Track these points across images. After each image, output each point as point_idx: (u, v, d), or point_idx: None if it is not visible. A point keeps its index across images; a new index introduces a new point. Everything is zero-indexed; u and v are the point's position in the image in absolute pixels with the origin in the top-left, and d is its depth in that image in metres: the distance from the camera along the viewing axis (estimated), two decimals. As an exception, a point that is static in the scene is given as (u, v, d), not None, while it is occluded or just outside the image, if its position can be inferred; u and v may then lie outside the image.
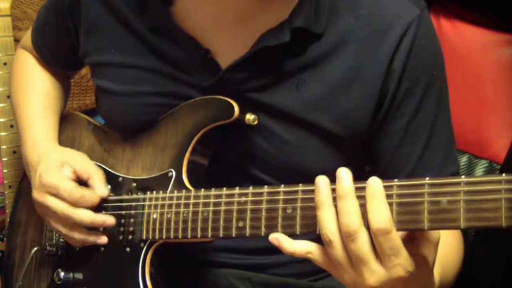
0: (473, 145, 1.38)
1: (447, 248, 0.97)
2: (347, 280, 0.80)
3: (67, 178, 1.09)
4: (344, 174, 0.78)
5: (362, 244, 0.76)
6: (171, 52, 1.05)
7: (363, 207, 0.77)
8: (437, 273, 0.88)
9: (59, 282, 1.14)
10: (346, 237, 0.77)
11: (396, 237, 0.75)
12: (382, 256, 0.76)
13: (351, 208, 0.77)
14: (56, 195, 1.07)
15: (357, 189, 0.78)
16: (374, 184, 0.76)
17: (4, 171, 1.52)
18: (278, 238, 0.83)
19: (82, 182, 1.10)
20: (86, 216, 1.06)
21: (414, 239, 0.78)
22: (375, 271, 0.77)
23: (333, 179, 0.80)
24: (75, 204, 1.06)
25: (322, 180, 0.80)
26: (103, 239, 1.08)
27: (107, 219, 1.07)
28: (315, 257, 0.81)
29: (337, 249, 0.78)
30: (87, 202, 1.07)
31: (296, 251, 0.82)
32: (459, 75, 1.38)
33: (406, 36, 0.97)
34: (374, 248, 0.77)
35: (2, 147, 1.49)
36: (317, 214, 0.80)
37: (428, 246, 0.77)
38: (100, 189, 1.09)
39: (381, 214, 0.75)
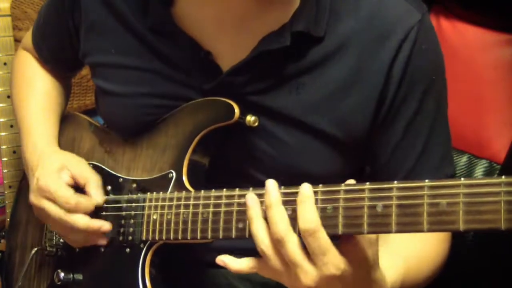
0: (473, 145, 1.38)
1: (420, 249, 1.00)
2: (289, 283, 0.84)
3: (64, 183, 1.09)
4: (271, 185, 0.84)
5: (292, 247, 0.81)
6: (172, 53, 1.05)
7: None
8: (398, 272, 0.92)
9: (59, 283, 1.14)
10: (276, 244, 0.82)
11: (323, 236, 0.79)
12: (312, 256, 0.80)
13: (277, 217, 0.82)
14: (52, 200, 1.08)
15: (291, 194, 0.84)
16: (303, 190, 0.81)
17: (4, 171, 1.52)
18: (223, 260, 0.88)
19: (79, 187, 1.11)
20: (82, 222, 1.07)
21: (351, 238, 0.81)
22: (308, 272, 0.80)
23: (332, 181, 0.82)
24: (70, 210, 1.07)
25: (250, 197, 0.85)
26: (103, 241, 1.08)
27: (103, 225, 1.07)
28: (258, 270, 0.86)
29: (271, 257, 0.83)
30: (82, 209, 1.07)
31: (242, 269, 0.87)
32: (459, 75, 1.38)
33: (407, 41, 0.97)
34: (307, 250, 0.81)
35: (2, 147, 1.50)
36: (250, 229, 0.85)
37: (364, 244, 0.81)
38: (96, 196, 1.09)
39: (308, 216, 0.80)
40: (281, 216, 0.82)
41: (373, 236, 0.81)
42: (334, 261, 0.80)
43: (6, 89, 1.47)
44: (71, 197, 1.07)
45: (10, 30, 1.46)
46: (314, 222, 0.79)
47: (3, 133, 1.49)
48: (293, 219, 0.83)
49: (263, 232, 0.83)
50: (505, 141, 1.33)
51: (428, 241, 1.02)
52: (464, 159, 1.39)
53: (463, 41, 1.41)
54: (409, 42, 0.98)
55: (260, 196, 0.86)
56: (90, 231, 1.07)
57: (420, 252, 1.00)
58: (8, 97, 1.46)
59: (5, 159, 1.51)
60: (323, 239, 0.79)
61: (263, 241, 0.83)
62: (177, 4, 1.04)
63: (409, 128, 1.01)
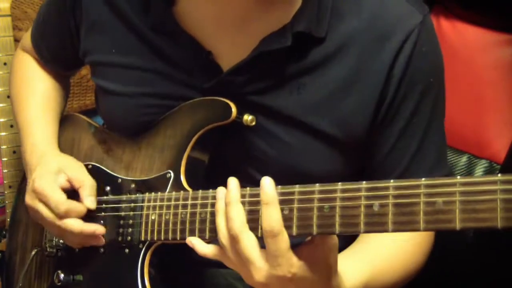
0: (473, 145, 1.38)
1: (392, 252, 1.01)
2: (244, 276, 0.89)
3: (58, 187, 1.10)
4: (231, 184, 0.88)
5: (245, 245, 0.85)
6: (172, 52, 1.05)
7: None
8: (360, 276, 0.94)
9: (59, 284, 1.14)
10: (231, 240, 0.86)
11: (283, 240, 0.82)
12: (268, 255, 0.83)
13: (232, 214, 0.86)
14: (46, 204, 1.09)
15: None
16: (267, 191, 0.84)
17: (4, 171, 1.52)
18: (192, 242, 0.93)
19: (75, 190, 1.11)
20: (76, 226, 1.07)
21: (311, 242, 0.84)
22: (260, 269, 0.84)
23: (332, 181, 0.82)
24: (60, 216, 1.07)
25: (220, 190, 0.90)
26: (100, 241, 1.09)
27: (97, 229, 1.07)
28: (221, 259, 0.90)
29: (228, 250, 0.87)
30: (72, 215, 1.08)
31: (207, 254, 0.92)
32: (459, 75, 1.38)
33: (408, 43, 0.97)
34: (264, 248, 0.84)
35: (2, 147, 1.50)
36: (215, 220, 0.89)
37: (323, 250, 0.84)
38: (88, 201, 1.09)
39: (273, 218, 0.83)
40: (237, 214, 0.86)
41: (335, 243, 0.84)
42: (288, 264, 0.83)
43: (6, 89, 1.47)
44: (62, 202, 1.08)
45: (10, 30, 1.46)
46: (277, 225, 0.82)
47: (3, 133, 1.50)
48: (290, 219, 0.83)
49: (223, 225, 0.88)
50: (505, 141, 1.33)
51: (403, 244, 1.03)
52: (464, 159, 1.39)
53: (463, 41, 1.42)
54: (410, 44, 0.98)
55: (255, 195, 0.87)
56: (84, 235, 1.08)
57: (392, 255, 1.01)
58: (8, 97, 1.46)
59: (5, 159, 1.51)
60: (282, 242, 0.82)
61: (223, 234, 0.88)
62: (178, 3, 1.04)
63: (406, 130, 1.01)
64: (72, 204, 1.08)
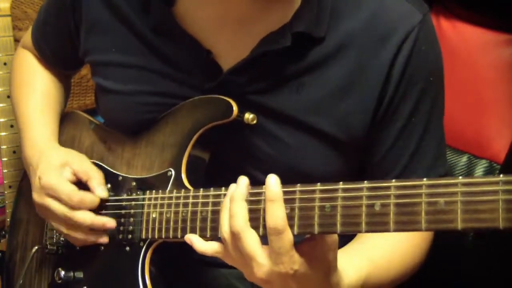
0: (473, 145, 1.39)
1: (391, 250, 1.02)
2: (245, 273, 0.89)
3: (67, 180, 1.09)
4: (242, 181, 0.88)
5: (247, 242, 0.84)
6: (172, 52, 1.05)
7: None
8: (359, 273, 0.94)
9: (60, 281, 1.14)
10: (233, 236, 0.86)
11: (287, 238, 0.82)
12: (271, 252, 0.83)
13: (235, 211, 0.86)
14: (56, 198, 1.08)
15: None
16: (273, 188, 0.83)
17: (4, 171, 1.52)
18: (191, 239, 0.93)
19: (81, 183, 1.11)
20: (87, 218, 1.07)
21: (312, 240, 0.84)
22: (262, 265, 0.84)
23: (332, 181, 0.82)
24: (74, 207, 1.07)
25: (231, 186, 0.89)
26: (104, 239, 1.08)
27: (107, 222, 1.07)
28: (221, 255, 0.90)
29: (229, 247, 0.87)
30: (86, 204, 1.07)
31: (206, 251, 0.91)
32: (459, 75, 1.38)
33: (407, 42, 0.97)
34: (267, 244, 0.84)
35: (2, 147, 1.49)
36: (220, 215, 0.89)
37: (324, 247, 0.84)
38: (99, 190, 1.09)
39: (277, 215, 0.82)
40: (239, 211, 0.86)
41: (334, 240, 0.84)
42: (290, 262, 0.83)
43: (6, 89, 1.47)
44: (75, 193, 1.07)
45: (10, 30, 1.46)
46: (281, 223, 0.82)
47: (3, 133, 1.49)
48: (291, 218, 0.83)
49: (226, 221, 0.87)
50: (505, 141, 1.33)
51: (402, 240, 1.03)
52: (464, 159, 1.39)
53: (463, 41, 1.42)
54: (410, 43, 0.98)
55: (257, 194, 0.87)
56: (94, 227, 1.07)
57: (390, 252, 1.02)
58: (8, 97, 1.46)
59: (5, 159, 1.51)
60: (286, 240, 0.82)
61: (225, 230, 0.87)
62: (178, 3, 1.04)
63: (405, 128, 1.02)
64: (85, 195, 1.08)
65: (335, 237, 0.84)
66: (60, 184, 1.08)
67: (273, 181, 0.84)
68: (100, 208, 1.10)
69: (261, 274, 0.85)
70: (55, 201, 1.08)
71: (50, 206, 1.09)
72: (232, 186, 0.89)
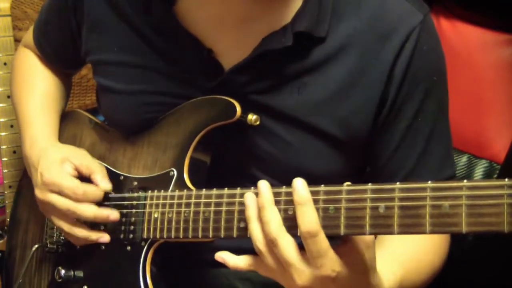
0: (473, 145, 1.39)
1: (418, 251, 1.00)
2: (285, 283, 0.85)
3: (68, 175, 1.09)
4: (263, 186, 0.85)
5: (285, 248, 0.82)
6: (174, 51, 1.05)
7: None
8: (395, 277, 0.92)
9: (60, 280, 1.14)
10: (270, 244, 0.83)
11: (323, 239, 0.80)
12: (309, 257, 0.81)
13: (268, 217, 0.83)
14: (59, 193, 1.08)
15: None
16: (301, 193, 0.81)
17: (4, 171, 1.52)
18: (223, 256, 0.90)
19: (83, 178, 1.10)
20: (90, 211, 1.06)
21: (347, 241, 0.82)
22: (302, 271, 0.82)
23: (333, 181, 0.83)
24: (78, 200, 1.06)
25: (248, 196, 0.87)
26: (105, 238, 1.08)
27: (111, 214, 1.07)
28: (256, 268, 0.88)
29: (266, 256, 0.84)
30: (90, 197, 1.07)
31: (240, 266, 0.89)
32: (459, 75, 1.39)
33: (409, 42, 0.98)
34: (303, 250, 0.82)
35: (2, 147, 1.49)
36: (248, 228, 0.86)
37: (361, 247, 0.81)
38: (103, 183, 1.09)
39: (308, 218, 0.80)
40: (273, 217, 0.83)
41: (370, 239, 0.81)
42: (331, 264, 0.81)
43: (6, 89, 1.46)
44: (78, 186, 1.07)
45: (10, 30, 1.46)
46: (315, 225, 0.80)
47: (3, 133, 1.49)
48: (295, 219, 0.83)
49: (259, 231, 0.85)
50: (505, 141, 1.33)
51: (427, 243, 1.03)
52: (464, 159, 1.39)
53: (463, 41, 1.42)
54: (411, 43, 0.98)
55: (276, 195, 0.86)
56: (98, 220, 1.07)
57: (418, 255, 1.01)
58: (8, 97, 1.46)
59: (5, 159, 1.50)
60: (323, 242, 0.80)
61: (259, 240, 0.85)
62: (180, 2, 1.04)
63: (410, 129, 1.02)
64: (89, 187, 1.08)
65: (371, 236, 0.82)
66: (63, 179, 1.08)
67: (300, 185, 0.82)
68: (101, 207, 1.10)
69: (303, 280, 0.82)
70: (58, 196, 1.08)
71: (53, 201, 1.08)
72: (249, 195, 0.87)
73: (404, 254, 0.98)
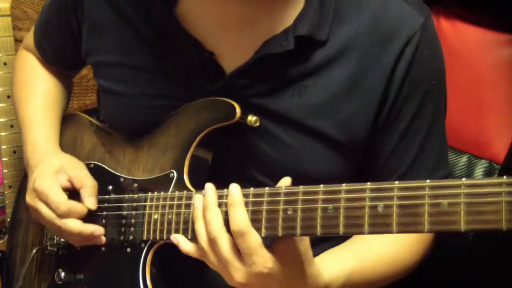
0: (473, 145, 1.38)
1: (383, 248, 1.02)
2: (226, 278, 0.92)
3: (59, 187, 1.10)
4: (208, 189, 0.91)
5: (223, 246, 0.88)
6: (175, 53, 1.05)
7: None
8: (343, 268, 0.96)
9: (60, 282, 1.14)
10: (211, 242, 0.89)
11: (253, 238, 0.86)
12: (243, 255, 0.87)
13: (210, 217, 0.89)
14: (46, 203, 1.09)
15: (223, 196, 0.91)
16: (233, 193, 0.88)
17: (4, 171, 1.52)
18: (177, 238, 0.96)
19: (76, 190, 1.11)
20: (74, 227, 1.08)
21: (280, 238, 0.87)
22: (238, 269, 0.88)
23: (333, 183, 0.83)
24: (61, 216, 1.08)
25: (197, 197, 0.93)
26: (101, 239, 1.09)
27: (96, 230, 1.08)
28: (204, 260, 0.93)
29: (209, 254, 0.90)
30: (74, 214, 1.08)
31: (190, 252, 0.94)
32: (459, 75, 1.38)
33: (409, 46, 0.98)
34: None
35: (2, 147, 1.49)
36: (194, 227, 0.92)
37: (293, 240, 0.86)
38: (89, 202, 1.10)
39: (238, 218, 0.86)
40: (214, 217, 0.89)
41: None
42: (262, 261, 0.86)
43: (6, 89, 1.47)
44: (63, 203, 1.08)
45: (10, 30, 1.46)
46: (244, 225, 0.86)
47: (3, 133, 1.49)
48: (294, 219, 0.84)
49: (203, 230, 0.91)
50: (505, 141, 1.33)
51: (398, 241, 1.04)
52: (464, 159, 1.39)
53: (463, 41, 1.42)
54: (412, 47, 0.98)
55: (258, 196, 0.88)
56: (83, 236, 1.08)
57: (380, 249, 1.02)
58: (8, 97, 1.46)
59: (5, 159, 1.51)
60: (252, 240, 0.85)
61: (202, 239, 0.90)
62: (180, 4, 1.04)
63: (408, 130, 1.02)
64: (73, 204, 1.09)
65: None
66: (51, 191, 1.09)
67: (234, 187, 0.88)
68: (101, 209, 1.10)
69: (239, 277, 0.88)
70: (45, 206, 1.10)
71: (40, 210, 1.10)
72: (198, 197, 0.92)
73: (364, 246, 1.01)
